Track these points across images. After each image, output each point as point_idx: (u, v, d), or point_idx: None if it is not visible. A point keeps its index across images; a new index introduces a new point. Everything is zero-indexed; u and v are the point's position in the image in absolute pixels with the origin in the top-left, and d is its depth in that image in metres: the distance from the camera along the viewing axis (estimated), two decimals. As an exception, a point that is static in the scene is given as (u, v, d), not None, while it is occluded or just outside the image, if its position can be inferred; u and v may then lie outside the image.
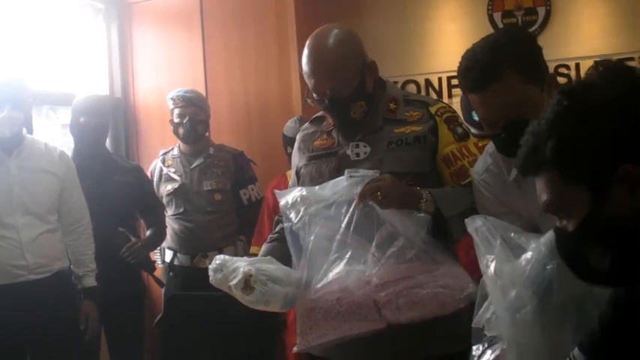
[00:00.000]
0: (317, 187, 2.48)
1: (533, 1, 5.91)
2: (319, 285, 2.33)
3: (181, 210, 4.99)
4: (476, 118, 3.96)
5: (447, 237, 2.43)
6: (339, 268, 2.32)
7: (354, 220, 2.32)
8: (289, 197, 2.48)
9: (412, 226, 2.31)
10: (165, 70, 6.11)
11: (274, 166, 5.21)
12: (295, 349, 2.37)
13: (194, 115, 5.01)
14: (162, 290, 5.01)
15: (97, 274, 4.09)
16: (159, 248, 5.12)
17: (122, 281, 4.42)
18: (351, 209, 2.34)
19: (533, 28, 5.87)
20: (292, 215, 2.45)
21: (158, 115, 5.85)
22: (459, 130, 2.68)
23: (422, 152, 2.61)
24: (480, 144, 3.03)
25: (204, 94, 5.52)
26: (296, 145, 2.90)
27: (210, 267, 2.44)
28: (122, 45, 6.22)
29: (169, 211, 5.04)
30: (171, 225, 5.01)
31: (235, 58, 5.96)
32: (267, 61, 5.88)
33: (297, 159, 2.86)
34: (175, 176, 5.03)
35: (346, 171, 2.45)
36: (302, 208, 2.42)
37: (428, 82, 6.14)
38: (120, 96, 6.16)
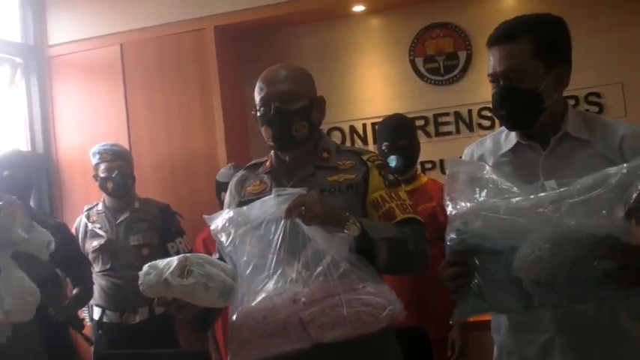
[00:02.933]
0: (245, 208, 2.47)
1: (454, 46, 6.03)
2: (248, 303, 2.33)
3: (108, 266, 4.90)
4: (393, 164, 4.03)
5: (373, 261, 2.41)
6: (267, 287, 2.31)
7: (282, 238, 2.33)
8: (218, 221, 2.49)
9: (335, 244, 2.30)
10: (88, 125, 6.05)
11: (201, 219, 5.14)
12: None
13: (122, 169, 4.97)
14: (92, 348, 4.89)
15: None
16: (87, 306, 5.00)
17: (50, 340, 4.30)
18: (279, 227, 2.34)
19: (455, 72, 6.00)
20: (223, 238, 2.45)
21: (81, 170, 5.79)
22: (390, 177, 2.70)
23: (354, 199, 2.62)
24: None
25: (127, 148, 5.48)
26: (228, 191, 2.88)
27: (140, 273, 2.38)
28: (43, 99, 6.16)
29: (96, 268, 4.92)
30: (98, 281, 4.89)
31: (158, 112, 5.97)
32: (191, 115, 5.91)
33: (228, 204, 2.84)
34: (101, 232, 4.95)
35: (274, 190, 2.44)
36: (232, 230, 2.43)
37: (352, 129, 6.20)
38: (42, 151, 6.06)
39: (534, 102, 2.45)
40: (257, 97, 2.72)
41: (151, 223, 5.00)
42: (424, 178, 4.44)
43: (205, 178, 5.57)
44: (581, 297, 2.08)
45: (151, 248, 4.93)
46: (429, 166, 5.97)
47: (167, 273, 2.32)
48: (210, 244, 4.69)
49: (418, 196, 4.19)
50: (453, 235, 2.19)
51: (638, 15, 5.54)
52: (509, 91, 2.45)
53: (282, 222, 2.35)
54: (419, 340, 3.41)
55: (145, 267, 2.39)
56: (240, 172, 2.92)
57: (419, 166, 4.75)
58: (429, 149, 5.61)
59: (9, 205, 2.67)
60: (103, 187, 4.97)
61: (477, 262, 2.13)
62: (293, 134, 2.67)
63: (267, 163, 2.82)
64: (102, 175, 4.95)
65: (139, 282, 2.37)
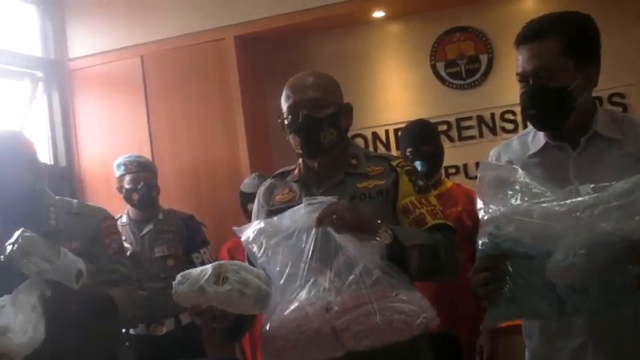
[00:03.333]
0: (275, 218, 2.46)
1: (476, 49, 6.02)
2: (281, 312, 2.31)
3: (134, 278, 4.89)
4: (419, 168, 4.00)
5: (405, 268, 2.39)
6: (300, 296, 2.30)
7: (313, 247, 2.32)
8: (249, 232, 2.47)
9: (367, 252, 2.29)
10: (110, 137, 6.05)
11: (224, 229, 5.15)
12: None
13: (148, 180, 4.98)
14: (119, 361, 4.89)
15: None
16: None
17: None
18: (311, 236, 2.33)
19: (477, 76, 5.99)
20: (255, 249, 2.44)
21: (104, 182, 5.78)
22: (420, 182, 2.69)
23: (384, 205, 2.61)
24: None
25: (150, 159, 5.47)
26: (256, 200, 2.87)
27: (174, 283, 2.36)
28: (64, 113, 6.16)
29: (122, 280, 4.92)
30: (124, 294, 4.89)
31: (180, 122, 5.97)
32: (213, 125, 5.91)
33: (256, 214, 2.82)
34: (126, 244, 4.94)
35: (304, 199, 2.43)
36: (264, 241, 2.41)
37: (375, 136, 6.19)
38: (64, 165, 6.07)
39: (565, 101, 2.41)
40: (284, 105, 2.71)
41: (176, 234, 4.99)
42: (449, 183, 4.41)
43: (228, 188, 5.55)
44: (616, 302, 2.06)
45: (176, 259, 4.92)
46: (452, 171, 5.94)
47: (202, 280, 2.30)
48: (236, 253, 4.67)
49: (444, 201, 4.14)
50: (485, 240, 2.17)
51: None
52: (539, 90, 2.41)
53: (314, 231, 2.34)
54: (450, 345, 3.39)
55: (179, 276, 2.37)
56: (268, 181, 2.90)
57: (443, 171, 4.71)
58: (452, 154, 5.57)
59: (22, 238, 2.63)
60: (128, 198, 4.97)
61: (509, 267, 2.11)
62: (321, 141, 2.66)
63: (296, 172, 2.81)
64: (127, 186, 4.95)
65: (173, 291, 2.35)
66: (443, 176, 4.56)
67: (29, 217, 2.95)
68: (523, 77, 2.46)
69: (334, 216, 2.31)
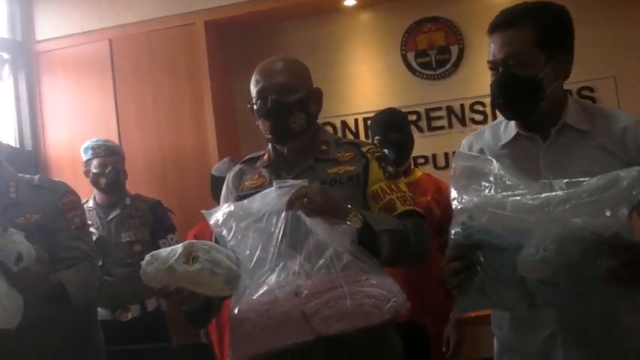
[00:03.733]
0: (245, 201, 2.43)
1: (446, 40, 6.03)
2: (250, 296, 2.29)
3: (100, 263, 4.84)
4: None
5: (375, 253, 2.38)
6: (269, 280, 2.28)
7: (283, 230, 2.31)
8: (219, 215, 2.44)
9: (338, 236, 2.28)
10: (77, 121, 6.00)
11: (191, 215, 5.12)
12: None
13: (116, 164, 4.95)
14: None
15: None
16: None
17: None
18: (281, 219, 2.32)
19: (447, 67, 6.01)
20: (225, 233, 2.41)
21: (70, 166, 5.72)
22: (390, 169, 2.68)
23: (354, 191, 2.60)
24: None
25: (117, 143, 5.41)
26: (225, 186, 2.85)
27: (142, 263, 2.32)
28: (31, 96, 6.11)
29: (87, 265, 4.88)
30: (89, 279, 4.85)
31: (148, 107, 5.94)
32: (181, 110, 5.89)
33: (225, 199, 2.80)
34: (92, 229, 4.90)
35: (275, 182, 2.41)
36: (233, 224, 2.38)
37: (344, 124, 6.19)
38: (30, 148, 6.00)
39: (533, 90, 2.40)
40: (253, 90, 2.69)
41: (142, 220, 4.96)
42: (418, 172, 4.41)
43: (195, 174, 5.55)
44: (585, 297, 2.07)
45: (143, 245, 4.88)
46: (421, 161, 5.96)
47: (172, 260, 2.27)
48: (202, 238, 4.61)
49: (413, 191, 4.07)
50: (458, 229, 2.16)
51: (630, 9, 5.56)
52: (508, 78, 2.41)
53: (284, 214, 2.32)
54: (417, 334, 3.39)
55: (147, 256, 2.33)
56: (237, 167, 2.89)
57: (412, 161, 4.71)
58: (421, 144, 5.57)
59: None
60: (95, 183, 4.92)
61: (481, 257, 2.11)
62: (291, 126, 2.65)
63: (265, 157, 2.80)
64: (95, 170, 4.91)
65: (141, 271, 2.31)
66: (412, 166, 4.56)
67: None
68: (494, 65, 2.45)
69: (305, 199, 2.29)
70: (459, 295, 2.16)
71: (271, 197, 2.36)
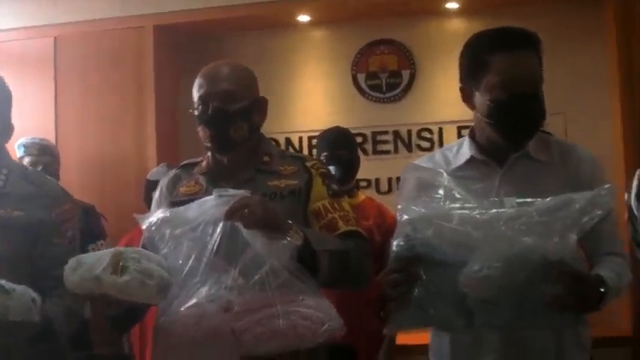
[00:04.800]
0: (182, 208, 2.34)
1: (398, 64, 5.97)
2: (178, 308, 2.20)
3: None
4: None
5: (313, 273, 2.30)
6: (200, 292, 2.19)
7: (219, 241, 2.22)
8: (152, 220, 2.34)
9: (276, 251, 2.19)
10: (14, 118, 5.79)
11: (126, 223, 4.98)
12: None
13: (48, 165, 4.80)
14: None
15: None
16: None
17: None
18: (217, 230, 2.22)
19: (397, 91, 5.96)
20: (157, 239, 2.33)
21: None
22: (333, 186, 2.61)
23: (295, 206, 2.52)
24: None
25: (53, 144, 5.28)
26: (158, 190, 2.74)
27: (66, 267, 2.21)
28: (-33, 86, 5.90)
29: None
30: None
31: (89, 109, 5.84)
32: (123, 115, 5.80)
33: (158, 205, 2.69)
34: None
35: (215, 190, 2.31)
36: (167, 231, 2.29)
37: (288, 142, 6.10)
38: (-38, 142, 5.81)
39: (543, 113, 2.39)
40: (195, 95, 2.59)
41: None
42: (361, 196, 4.36)
43: (133, 181, 5.44)
44: (526, 320, 2.06)
45: (71, 248, 4.73)
46: (364, 184, 5.87)
47: (99, 269, 2.14)
48: (135, 246, 4.50)
49: (355, 214, 4.07)
50: (400, 242, 2.13)
51: (579, 43, 5.58)
52: (533, 98, 2.35)
53: (221, 225, 2.22)
54: (349, 359, 3.30)
55: (71, 261, 2.22)
56: (173, 172, 2.79)
57: (355, 183, 4.63)
58: (365, 167, 5.45)
59: None
60: (24, 182, 4.77)
61: (422, 272, 2.09)
62: (231, 135, 2.56)
63: (204, 164, 2.70)
64: (25, 168, 4.75)
65: (64, 277, 2.20)
66: (356, 188, 4.50)
67: None
68: (514, 83, 2.34)
69: (245, 210, 2.20)
70: (396, 309, 2.13)
71: (209, 206, 2.27)
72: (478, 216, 2.04)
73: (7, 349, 2.49)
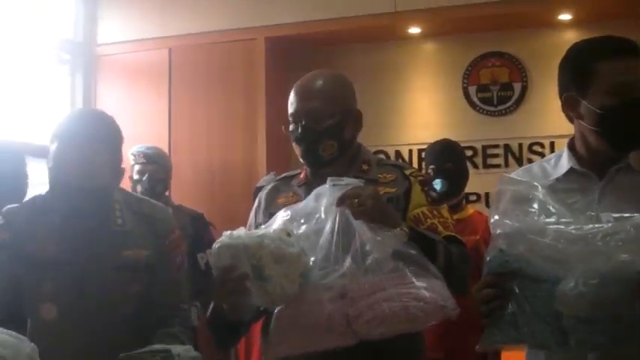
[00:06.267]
0: (301, 204, 2.36)
1: (510, 77, 5.91)
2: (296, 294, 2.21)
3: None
4: (437, 187, 3.85)
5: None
6: (317, 279, 2.19)
7: (333, 229, 2.20)
8: (276, 224, 2.33)
9: (386, 240, 2.18)
10: (129, 127, 5.86)
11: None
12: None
13: (154, 173, 4.89)
14: None
15: None
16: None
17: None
18: (331, 219, 2.22)
19: (508, 104, 5.88)
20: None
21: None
22: (433, 194, 2.60)
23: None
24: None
25: (167, 152, 5.40)
26: (256, 201, 2.75)
27: (225, 234, 2.22)
28: (86, 97, 6.18)
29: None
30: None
31: (201, 118, 5.96)
32: (233, 125, 5.89)
33: (255, 215, 2.71)
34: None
35: (329, 179, 2.33)
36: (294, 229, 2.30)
37: (398, 154, 6.09)
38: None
39: None
40: (289, 111, 2.62)
41: (182, 231, 4.86)
42: (470, 210, 4.31)
43: (242, 189, 5.50)
44: (622, 340, 1.96)
45: (181, 256, 4.79)
46: (473, 198, 5.80)
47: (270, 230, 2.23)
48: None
49: (463, 228, 4.00)
50: (494, 256, 2.09)
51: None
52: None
53: (336, 213, 2.22)
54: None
55: (226, 232, 2.22)
56: (272, 184, 2.79)
57: (464, 197, 4.58)
58: (475, 181, 5.40)
59: None
60: (133, 189, 4.86)
61: (515, 287, 2.03)
62: (320, 154, 2.55)
63: (302, 175, 2.69)
64: (134, 177, 4.89)
65: (217, 243, 2.20)
66: (464, 202, 4.44)
67: (94, 214, 2.64)
68: (623, 90, 2.27)
69: (355, 200, 2.20)
70: (488, 326, 2.06)
71: (324, 194, 2.29)
72: (573, 231, 1.94)
73: None
